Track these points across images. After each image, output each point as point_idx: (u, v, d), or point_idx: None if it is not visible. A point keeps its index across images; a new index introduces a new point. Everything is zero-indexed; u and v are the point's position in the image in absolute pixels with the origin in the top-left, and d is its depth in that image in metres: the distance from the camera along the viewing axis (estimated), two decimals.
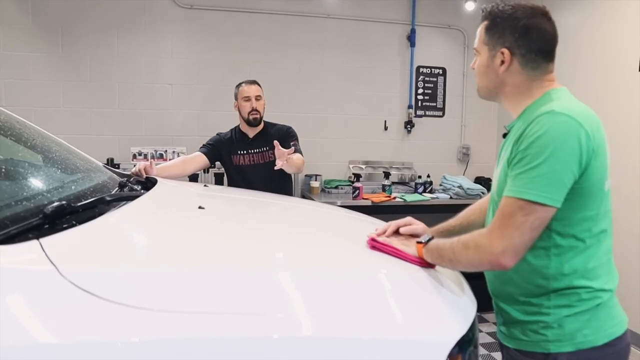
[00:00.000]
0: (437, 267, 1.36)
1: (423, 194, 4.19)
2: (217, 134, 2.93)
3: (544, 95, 1.26)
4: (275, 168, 2.45)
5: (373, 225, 1.68)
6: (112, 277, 1.02)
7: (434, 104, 4.81)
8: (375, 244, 1.43)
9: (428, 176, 4.38)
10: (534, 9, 1.27)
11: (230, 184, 2.95)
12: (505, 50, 1.27)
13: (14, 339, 0.83)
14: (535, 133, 1.14)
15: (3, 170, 1.58)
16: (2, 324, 0.85)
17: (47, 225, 1.16)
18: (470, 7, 4.41)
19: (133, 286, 1.00)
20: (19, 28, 3.95)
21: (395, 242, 1.42)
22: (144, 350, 0.89)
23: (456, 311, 1.22)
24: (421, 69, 4.75)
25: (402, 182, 4.52)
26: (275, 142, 2.46)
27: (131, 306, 0.93)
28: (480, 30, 1.34)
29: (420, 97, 4.77)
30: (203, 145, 2.87)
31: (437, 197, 4.11)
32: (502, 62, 1.28)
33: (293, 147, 2.54)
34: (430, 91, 4.79)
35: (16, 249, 1.00)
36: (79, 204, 1.29)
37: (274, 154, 2.73)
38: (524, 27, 1.25)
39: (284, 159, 2.42)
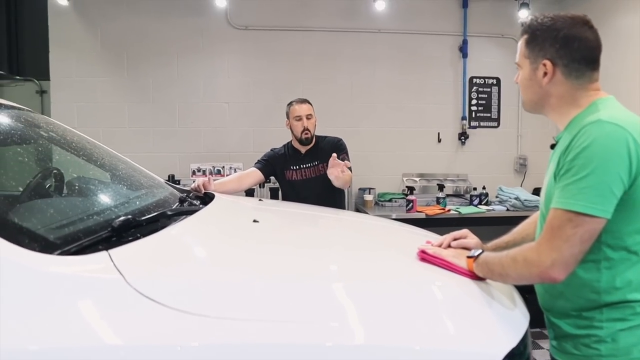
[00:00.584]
0: (489, 280, 1.35)
1: (478, 206, 4.11)
2: (271, 150, 3.01)
3: (591, 105, 1.24)
4: (330, 176, 2.49)
5: (426, 238, 1.69)
6: (172, 286, 1.09)
7: (489, 115, 4.73)
8: (425, 256, 1.44)
9: (483, 188, 4.29)
10: (573, 19, 1.25)
11: (284, 199, 3.02)
12: (547, 62, 1.26)
13: (84, 341, 0.92)
14: (582, 143, 1.12)
15: (76, 187, 1.72)
16: (74, 326, 0.93)
17: (114, 238, 1.25)
18: (523, 15, 4.32)
19: (192, 294, 1.07)
20: (89, 55, 4.25)
21: (445, 254, 1.42)
22: (203, 354, 0.94)
23: (507, 324, 1.20)
24: (474, 80, 4.69)
25: (456, 195, 4.46)
26: (334, 155, 2.51)
27: (190, 313, 0.99)
28: (520, 44, 1.34)
29: (474, 108, 4.71)
30: (258, 161, 2.95)
31: (493, 209, 4.01)
32: (545, 73, 1.27)
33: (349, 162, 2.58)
34: (484, 102, 4.72)
35: (88, 259, 1.10)
36: (143, 218, 1.38)
37: (323, 167, 2.80)
38: (565, 38, 1.23)
39: (339, 169, 2.46)
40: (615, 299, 1.18)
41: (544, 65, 1.26)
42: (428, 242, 1.56)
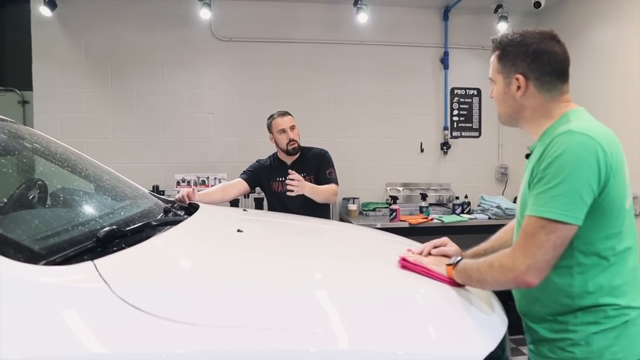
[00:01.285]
0: (468, 287, 1.38)
1: (461, 214, 4.17)
2: (257, 161, 3.02)
3: (562, 117, 1.29)
4: (289, 194, 2.60)
5: (407, 247, 1.72)
6: (157, 294, 1.10)
7: (470, 125, 4.82)
8: (405, 264, 1.47)
9: (466, 197, 4.36)
10: (542, 34, 1.31)
11: (270, 209, 3.03)
12: (520, 76, 1.31)
13: (70, 349, 0.93)
14: (554, 153, 1.17)
15: (60, 198, 1.72)
16: (60, 335, 0.94)
17: (99, 248, 1.26)
18: (502, 27, 4.42)
19: (176, 303, 1.08)
20: (73, 66, 4.24)
21: (426, 262, 1.45)
22: None
23: (485, 329, 1.24)
24: (456, 91, 4.78)
25: (439, 204, 4.52)
26: (291, 171, 2.64)
27: (175, 321, 1.00)
28: (493, 60, 1.38)
29: (455, 118, 4.79)
30: (243, 171, 2.97)
31: (475, 218, 4.08)
32: (518, 87, 1.32)
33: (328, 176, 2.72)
34: (465, 112, 4.81)
35: (73, 269, 1.11)
36: (128, 228, 1.40)
37: (311, 179, 2.84)
38: (535, 52, 1.29)
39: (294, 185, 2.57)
40: (588, 303, 1.22)
41: (517, 79, 1.31)
42: (409, 250, 1.59)
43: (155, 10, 4.32)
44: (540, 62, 1.29)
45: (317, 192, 2.72)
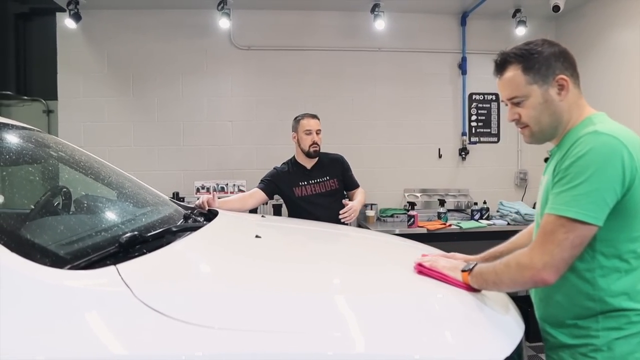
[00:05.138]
0: (485, 292, 1.38)
1: (479, 220, 4.14)
2: (274, 168, 3.04)
3: (585, 120, 1.29)
4: (344, 221, 2.73)
5: (423, 252, 1.72)
6: (178, 298, 1.13)
7: (489, 130, 4.78)
8: (422, 269, 1.48)
9: (484, 202, 4.32)
10: (543, 40, 1.33)
11: (291, 215, 3.02)
12: (563, 76, 1.28)
13: (93, 351, 0.96)
14: (578, 152, 1.17)
15: (84, 205, 1.77)
16: (83, 337, 0.98)
17: (121, 253, 1.30)
18: (521, 32, 4.40)
19: (196, 306, 1.11)
20: (96, 77, 4.35)
21: (441, 267, 1.46)
22: None
23: (502, 333, 1.24)
24: (474, 96, 4.75)
25: (458, 210, 4.49)
26: (345, 202, 2.81)
27: (194, 324, 1.03)
28: (513, 78, 1.31)
29: (474, 123, 4.76)
30: (261, 181, 2.97)
31: (494, 224, 4.04)
32: (561, 88, 1.28)
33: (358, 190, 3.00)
34: (484, 117, 4.77)
35: (96, 274, 1.14)
36: (149, 234, 1.43)
37: (333, 183, 2.94)
38: (562, 52, 1.30)
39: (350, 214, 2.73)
40: (610, 307, 1.21)
41: (562, 79, 1.28)
42: (424, 256, 1.60)
43: (175, 20, 4.40)
44: (569, 60, 1.30)
45: (362, 203, 2.93)
